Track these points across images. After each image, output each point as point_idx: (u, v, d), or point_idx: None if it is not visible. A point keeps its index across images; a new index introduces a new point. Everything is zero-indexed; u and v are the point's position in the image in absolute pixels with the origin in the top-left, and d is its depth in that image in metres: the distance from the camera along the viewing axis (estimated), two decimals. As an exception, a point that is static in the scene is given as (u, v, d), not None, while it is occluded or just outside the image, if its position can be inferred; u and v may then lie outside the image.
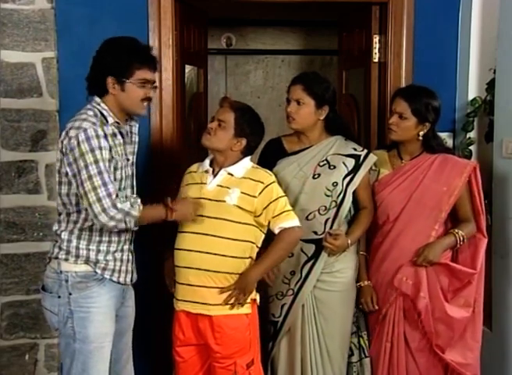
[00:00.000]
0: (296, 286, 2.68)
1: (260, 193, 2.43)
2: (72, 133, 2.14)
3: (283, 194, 2.49)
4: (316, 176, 2.66)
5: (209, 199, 2.44)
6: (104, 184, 2.11)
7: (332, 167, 2.67)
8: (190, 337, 2.49)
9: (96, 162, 2.12)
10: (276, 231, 2.46)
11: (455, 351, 2.68)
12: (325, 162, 2.68)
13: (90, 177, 2.11)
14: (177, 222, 2.46)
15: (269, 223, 2.46)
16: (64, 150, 2.18)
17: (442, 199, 2.63)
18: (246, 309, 2.46)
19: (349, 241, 2.65)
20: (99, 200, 2.11)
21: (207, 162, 2.54)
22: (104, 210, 2.11)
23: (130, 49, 2.26)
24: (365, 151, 2.73)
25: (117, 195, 2.15)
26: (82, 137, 2.12)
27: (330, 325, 2.70)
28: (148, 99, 2.32)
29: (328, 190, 2.65)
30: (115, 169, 2.22)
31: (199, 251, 2.41)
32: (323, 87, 2.67)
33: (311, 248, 2.66)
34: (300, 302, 2.68)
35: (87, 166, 2.11)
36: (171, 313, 2.58)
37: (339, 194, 2.65)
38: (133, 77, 2.24)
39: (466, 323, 2.67)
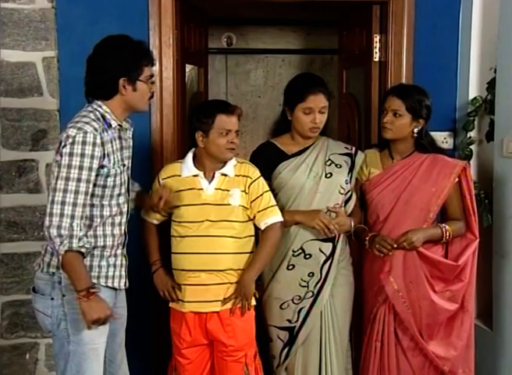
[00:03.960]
0: (316, 287, 2.65)
1: (248, 187, 2.50)
2: (71, 132, 2.11)
3: (268, 189, 2.55)
4: (328, 175, 2.67)
5: (212, 204, 2.47)
6: (76, 192, 2.07)
7: (338, 166, 2.69)
8: (197, 338, 2.52)
9: (80, 168, 2.08)
10: (262, 226, 2.53)
11: (438, 345, 2.67)
12: (330, 161, 2.69)
13: (67, 179, 2.08)
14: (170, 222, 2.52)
15: (254, 216, 2.52)
16: (59, 148, 2.15)
17: (430, 200, 2.64)
18: (251, 301, 2.54)
19: (352, 222, 2.67)
20: (61, 215, 2.06)
21: (191, 165, 2.52)
22: (58, 227, 2.06)
23: (135, 47, 2.25)
24: (354, 148, 2.78)
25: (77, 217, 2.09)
26: (80, 138, 2.09)
27: (343, 319, 2.72)
28: (152, 95, 2.33)
29: (342, 188, 2.67)
30: (108, 176, 2.19)
31: (212, 253, 2.46)
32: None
33: (329, 247, 2.66)
34: (321, 304, 2.66)
35: (70, 167, 2.08)
36: (167, 314, 2.60)
37: (348, 191, 2.69)
38: (143, 75, 2.24)
39: (448, 316, 2.66)
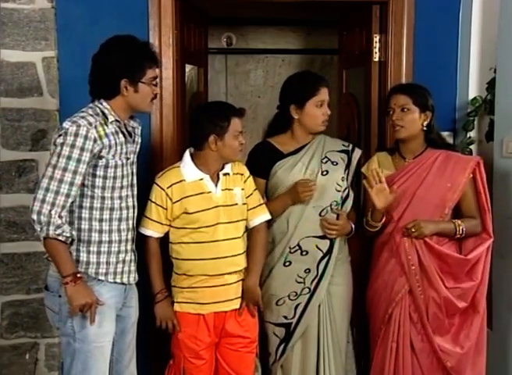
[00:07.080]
0: (312, 284, 2.67)
1: (243, 184, 2.57)
2: (65, 124, 2.17)
3: (256, 187, 2.62)
4: (324, 172, 2.68)
5: (223, 206, 2.49)
6: (60, 181, 2.12)
7: (334, 163, 2.70)
8: (214, 338, 2.55)
9: (69, 158, 2.12)
10: (251, 225, 2.58)
11: (446, 341, 2.65)
12: (326, 159, 2.70)
13: (55, 167, 2.13)
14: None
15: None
16: (53, 140, 2.21)
17: (446, 196, 2.63)
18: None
19: (353, 226, 2.69)
20: (43, 201, 2.10)
21: (194, 169, 2.49)
22: (39, 212, 2.10)
23: (140, 49, 2.26)
24: (351, 145, 2.81)
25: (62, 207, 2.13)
26: (72, 130, 2.13)
27: (341, 318, 2.72)
28: (156, 97, 2.35)
29: (339, 185, 2.68)
30: (107, 166, 2.22)
31: (233, 256, 2.50)
32: None
33: (326, 244, 2.67)
34: (318, 300, 2.68)
35: (59, 156, 2.13)
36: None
37: (345, 188, 2.70)
38: (145, 77, 2.26)
39: (457, 314, 2.64)
